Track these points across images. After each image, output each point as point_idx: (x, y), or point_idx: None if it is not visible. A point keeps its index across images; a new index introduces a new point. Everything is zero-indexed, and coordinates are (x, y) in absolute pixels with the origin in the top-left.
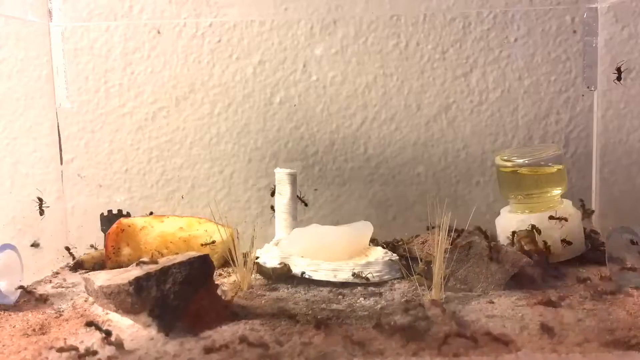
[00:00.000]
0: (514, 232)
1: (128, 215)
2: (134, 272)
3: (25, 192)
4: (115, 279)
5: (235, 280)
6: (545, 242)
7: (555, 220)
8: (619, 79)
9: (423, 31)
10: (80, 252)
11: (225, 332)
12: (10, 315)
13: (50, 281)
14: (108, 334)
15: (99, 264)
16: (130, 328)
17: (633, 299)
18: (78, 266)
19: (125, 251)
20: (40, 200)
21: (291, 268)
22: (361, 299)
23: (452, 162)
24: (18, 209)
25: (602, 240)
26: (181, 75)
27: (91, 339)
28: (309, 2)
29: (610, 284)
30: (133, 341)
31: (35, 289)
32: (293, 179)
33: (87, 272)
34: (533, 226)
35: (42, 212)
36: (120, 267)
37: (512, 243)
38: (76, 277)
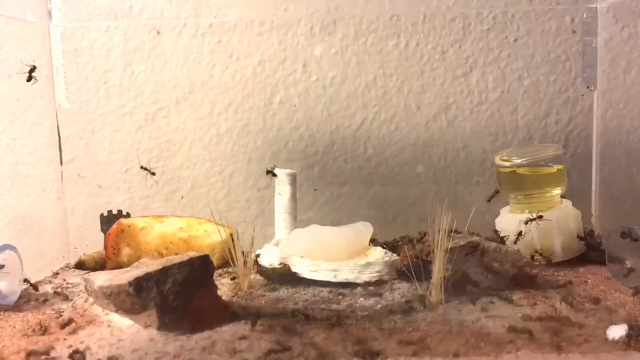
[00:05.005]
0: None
1: (128, 215)
2: (133, 272)
3: (25, 192)
4: (115, 280)
5: (235, 281)
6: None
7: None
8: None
9: (423, 31)
10: (80, 253)
11: (225, 333)
12: (10, 315)
13: (51, 282)
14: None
15: (100, 265)
16: (130, 328)
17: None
18: (79, 267)
19: (125, 251)
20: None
21: (291, 268)
22: (361, 299)
23: (452, 162)
24: (18, 209)
25: (601, 241)
26: (181, 75)
27: (91, 340)
28: (309, 2)
29: None
30: (133, 341)
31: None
32: (293, 179)
33: (88, 272)
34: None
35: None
36: (120, 267)
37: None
38: (76, 278)
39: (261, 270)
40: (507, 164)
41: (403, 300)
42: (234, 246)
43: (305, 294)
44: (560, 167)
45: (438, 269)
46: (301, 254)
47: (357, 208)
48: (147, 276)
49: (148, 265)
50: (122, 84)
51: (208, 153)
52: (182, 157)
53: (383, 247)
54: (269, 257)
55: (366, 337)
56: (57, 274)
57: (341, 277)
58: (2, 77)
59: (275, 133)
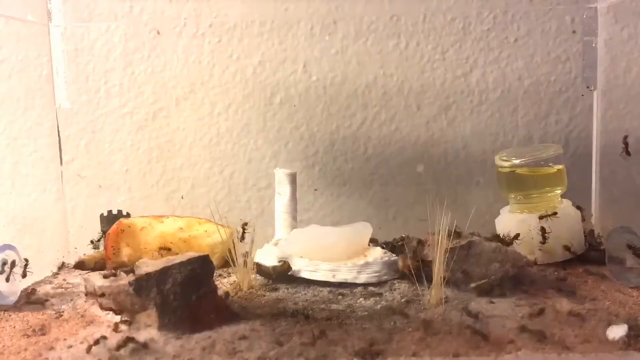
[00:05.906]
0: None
1: (128, 215)
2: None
3: (25, 192)
4: (115, 280)
5: (235, 281)
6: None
7: (550, 220)
8: (628, 153)
9: (423, 31)
10: (81, 253)
11: (225, 333)
12: (10, 315)
13: (51, 282)
14: None
15: (100, 265)
16: (130, 328)
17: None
18: (79, 267)
19: (125, 251)
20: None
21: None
22: (361, 299)
23: (452, 162)
24: (18, 209)
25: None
26: (181, 75)
27: (91, 340)
28: (309, 2)
29: None
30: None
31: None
32: (293, 179)
33: (88, 272)
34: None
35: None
36: (120, 267)
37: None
38: (76, 278)
39: (261, 270)
40: (507, 164)
41: (403, 300)
42: (234, 246)
43: (305, 294)
44: (560, 167)
45: (438, 269)
46: (300, 254)
47: (357, 208)
48: (147, 276)
49: (148, 266)
50: (122, 84)
51: (208, 153)
52: (183, 157)
53: (383, 247)
54: (269, 257)
55: (366, 337)
56: (57, 274)
57: (340, 277)
58: (2, 77)
59: (275, 133)
